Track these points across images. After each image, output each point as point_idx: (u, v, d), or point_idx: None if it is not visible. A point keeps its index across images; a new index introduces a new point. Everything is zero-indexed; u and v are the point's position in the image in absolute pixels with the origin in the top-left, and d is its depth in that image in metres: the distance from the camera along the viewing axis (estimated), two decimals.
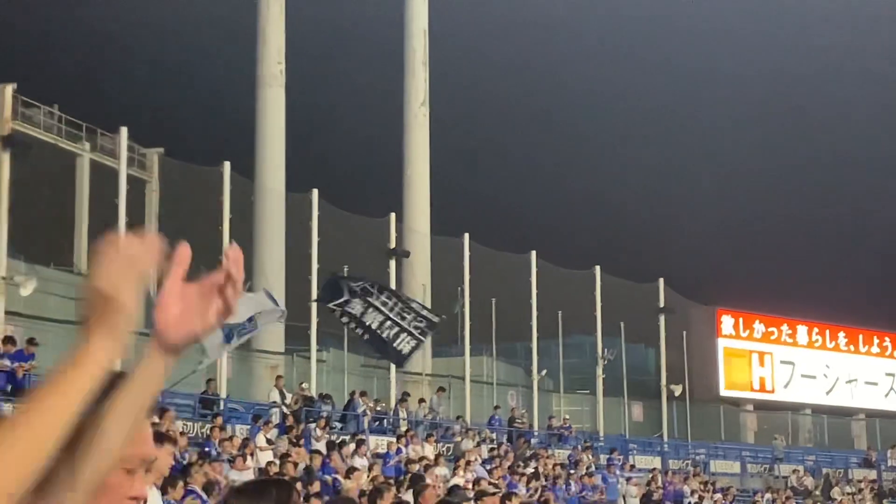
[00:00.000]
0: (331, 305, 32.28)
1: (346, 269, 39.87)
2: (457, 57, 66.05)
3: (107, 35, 67.79)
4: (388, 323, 31.94)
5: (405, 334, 32.08)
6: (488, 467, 32.94)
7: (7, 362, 25.80)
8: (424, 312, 33.22)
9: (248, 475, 22.15)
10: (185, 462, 20.83)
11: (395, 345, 32.03)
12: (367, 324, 31.99)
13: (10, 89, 32.94)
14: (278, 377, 33.56)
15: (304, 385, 33.83)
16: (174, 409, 26.54)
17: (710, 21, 77.45)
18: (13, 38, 60.53)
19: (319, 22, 64.21)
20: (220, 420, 28.22)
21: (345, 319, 32.58)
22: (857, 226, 78.96)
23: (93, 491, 2.73)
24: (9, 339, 26.66)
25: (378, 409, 36.28)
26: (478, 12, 72.80)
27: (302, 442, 28.69)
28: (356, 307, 31.89)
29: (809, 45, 77.51)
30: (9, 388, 25.35)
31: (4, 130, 31.69)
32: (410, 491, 15.85)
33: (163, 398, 27.94)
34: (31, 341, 27.25)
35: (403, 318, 32.06)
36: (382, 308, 31.98)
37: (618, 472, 39.14)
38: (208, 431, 27.44)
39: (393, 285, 39.61)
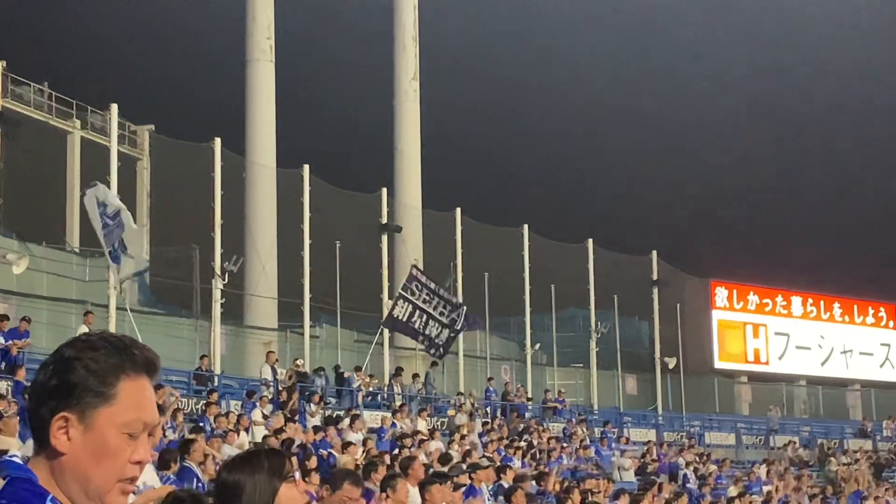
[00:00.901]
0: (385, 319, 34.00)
1: (338, 245, 39.89)
2: (448, 31, 65.79)
3: (96, 12, 67.45)
4: (431, 322, 33.68)
5: (445, 329, 34.00)
6: (484, 440, 32.99)
7: (1, 339, 25.74)
8: (452, 299, 35.10)
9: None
10: (182, 437, 20.80)
11: (435, 340, 34.11)
12: (415, 327, 33.78)
13: None
14: (269, 353, 33.52)
15: (298, 361, 33.80)
16: (168, 385, 26.48)
17: None
18: (2, 16, 60.19)
19: None
20: (215, 396, 28.18)
21: (389, 324, 35.10)
22: (849, 196, 78.95)
23: (96, 455, 2.70)
24: (2, 317, 26.59)
25: (371, 386, 36.28)
26: None
27: (297, 417, 28.66)
28: (402, 311, 33.70)
29: (788, 24, 77.37)
30: (2, 365, 25.29)
31: None
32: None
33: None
34: (25, 319, 27.17)
35: (442, 314, 33.93)
36: (427, 308, 33.78)
37: (612, 446, 39.19)
38: (203, 407, 27.41)
39: (385, 260, 39.60)
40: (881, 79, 76.82)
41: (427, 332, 34.90)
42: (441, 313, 35.04)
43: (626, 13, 77.10)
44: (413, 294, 34.85)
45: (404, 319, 34.90)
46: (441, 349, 36.04)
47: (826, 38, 76.68)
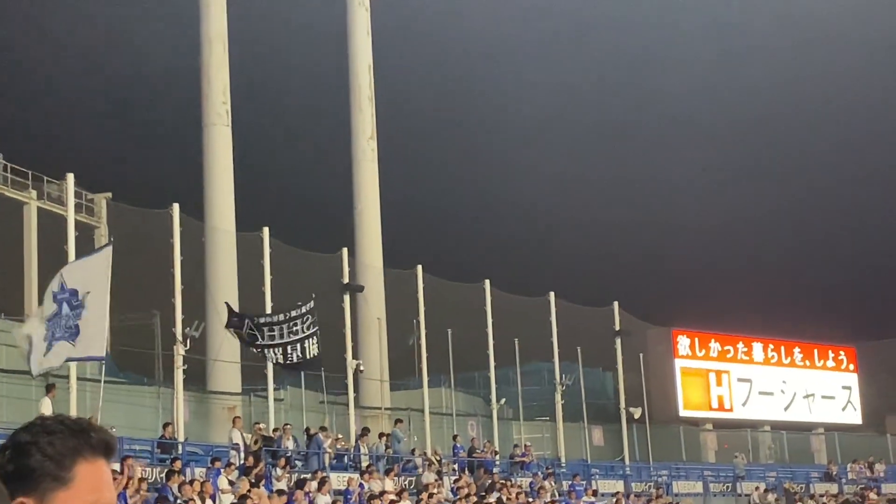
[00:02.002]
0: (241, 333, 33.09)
1: (301, 307, 39.71)
2: (405, 90, 66.21)
3: (50, 82, 67.38)
4: (289, 348, 32.75)
5: (307, 340, 32.99)
6: (454, 498, 32.84)
7: None
8: (304, 309, 33.90)
9: None
10: None
11: (307, 357, 33.03)
12: (276, 359, 32.86)
13: None
14: (236, 418, 33.27)
15: (261, 425, 33.59)
16: (131, 455, 26.22)
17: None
18: None
19: (264, 60, 64.21)
20: (178, 464, 27.91)
21: (256, 350, 33.22)
22: (806, 241, 79.67)
23: None
24: None
25: (339, 446, 36.07)
26: (420, 45, 73.02)
27: (262, 483, 28.44)
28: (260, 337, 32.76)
29: (760, 62, 78.42)
30: None
31: None
32: None
33: (120, 443, 27.65)
34: None
35: (296, 333, 32.91)
36: (274, 342, 32.79)
37: (581, 498, 39.11)
38: (166, 476, 27.14)
39: (348, 320, 39.50)
40: (826, 127, 77.89)
41: (290, 358, 33.72)
42: (292, 332, 33.77)
43: (588, 72, 77.89)
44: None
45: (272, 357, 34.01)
46: (318, 361, 35.05)
47: (774, 85, 77.80)
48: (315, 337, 33.97)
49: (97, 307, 25.72)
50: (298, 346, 33.48)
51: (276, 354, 33.47)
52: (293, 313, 34.08)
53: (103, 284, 25.88)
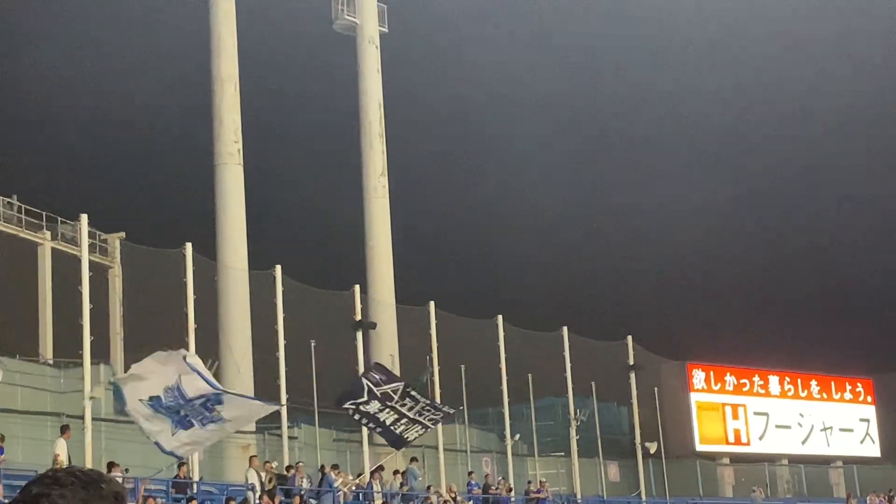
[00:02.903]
0: (347, 406, 33.04)
1: (312, 344, 39.73)
2: (416, 127, 66.43)
3: (62, 124, 67.79)
4: (404, 420, 32.86)
5: (417, 425, 33.17)
6: None
7: None
8: (445, 409, 34.45)
9: None
10: None
11: (403, 434, 33.12)
12: (382, 420, 32.89)
13: None
14: (252, 457, 33.20)
15: (273, 463, 33.54)
16: (151, 496, 26.17)
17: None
18: None
19: (274, 99, 64.53)
20: (194, 503, 27.86)
21: (357, 417, 33.41)
22: (822, 272, 79.47)
23: None
24: None
25: (353, 488, 35.95)
26: (431, 81, 73.33)
27: None
28: (373, 406, 32.68)
29: (779, 91, 78.55)
30: None
31: None
32: None
33: (135, 483, 27.60)
34: None
35: (421, 415, 33.16)
36: (401, 409, 32.89)
37: None
38: None
39: (361, 357, 39.46)
40: (843, 159, 77.89)
41: (399, 430, 34.06)
42: (408, 407, 34.15)
43: (596, 104, 78.11)
44: (376, 385, 34.11)
45: (373, 413, 34.23)
46: (401, 440, 35.26)
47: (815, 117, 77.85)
48: (422, 430, 34.20)
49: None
50: (409, 422, 33.74)
51: (389, 416, 33.57)
52: (440, 406, 34.92)
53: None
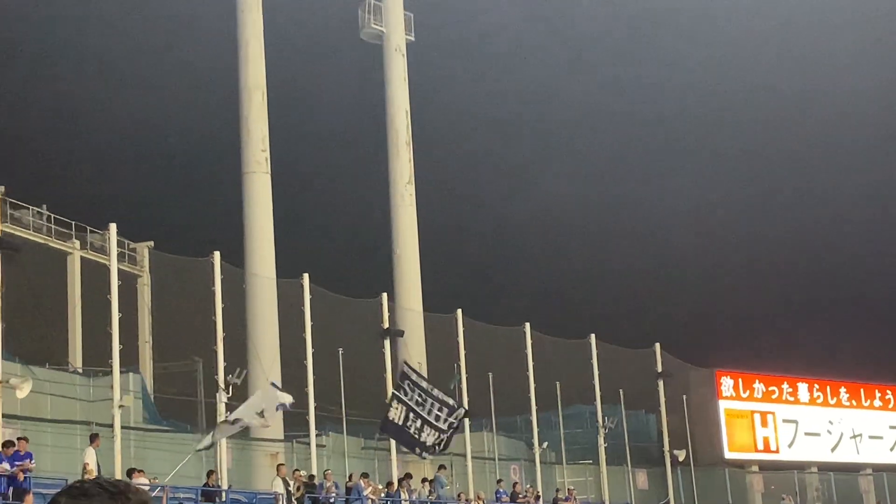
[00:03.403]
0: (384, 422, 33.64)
1: (340, 352, 39.80)
2: (442, 133, 66.47)
3: (90, 132, 68.18)
4: (412, 415, 32.87)
5: (434, 429, 33.12)
6: None
7: (7, 466, 25.44)
8: (450, 401, 34.25)
9: None
10: None
11: (420, 438, 33.11)
12: (413, 430, 33.05)
13: None
14: (280, 465, 33.25)
15: (301, 472, 33.57)
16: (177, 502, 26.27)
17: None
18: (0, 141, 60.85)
19: (302, 107, 64.70)
20: None
21: (385, 427, 33.79)
22: (853, 279, 79.04)
23: None
24: (7, 443, 26.28)
25: (382, 494, 35.95)
26: (457, 88, 73.40)
27: None
28: (398, 414, 33.02)
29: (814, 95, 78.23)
30: (10, 491, 24.99)
31: None
32: None
33: (163, 491, 27.71)
34: (22, 438, 26.68)
35: (438, 419, 33.13)
36: (409, 402, 32.99)
37: None
38: None
39: (389, 365, 39.49)
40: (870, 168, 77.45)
41: (422, 438, 34.38)
42: (437, 417, 34.52)
43: (616, 122, 78.00)
44: (406, 394, 34.52)
45: (400, 423, 34.53)
46: (433, 449, 35.55)
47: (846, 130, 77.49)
48: (439, 435, 34.39)
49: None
50: (426, 425, 34.02)
51: (414, 422, 33.83)
52: (455, 405, 35.07)
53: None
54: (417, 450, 35.12)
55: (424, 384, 35.12)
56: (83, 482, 2.91)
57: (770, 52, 78.36)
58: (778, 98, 78.15)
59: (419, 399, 34.20)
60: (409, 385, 34.52)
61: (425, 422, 34.08)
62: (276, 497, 31.41)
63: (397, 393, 34.63)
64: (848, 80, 75.52)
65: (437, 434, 34.45)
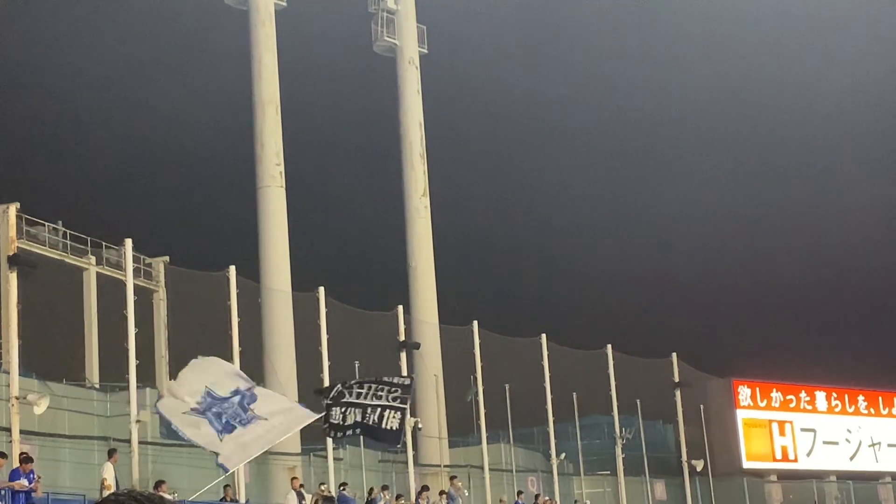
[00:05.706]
0: (323, 428, 32.45)
1: (357, 365, 39.72)
2: (455, 147, 66.53)
3: (105, 149, 68.42)
4: (369, 409, 31.88)
5: (388, 410, 31.99)
6: None
7: (25, 482, 25.47)
8: (396, 380, 33.06)
9: None
10: None
11: (383, 426, 31.92)
12: (352, 422, 31.96)
13: (13, 209, 33.06)
14: (294, 479, 33.22)
15: (323, 486, 33.51)
16: None
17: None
18: (14, 159, 61.10)
19: (316, 121, 64.84)
20: None
21: (332, 433, 32.57)
22: (868, 286, 78.76)
23: None
24: (27, 459, 26.25)
25: None
26: (470, 101, 73.44)
27: None
28: (336, 415, 31.83)
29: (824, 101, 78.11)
30: None
31: (10, 250, 31.72)
32: None
33: None
34: (24, 457, 26.37)
35: (379, 398, 32.02)
36: (358, 400, 31.96)
37: None
38: None
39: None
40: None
41: (388, 425, 33.01)
42: (377, 397, 33.08)
43: (629, 134, 77.96)
44: (345, 396, 33.36)
45: (346, 423, 33.36)
46: (396, 436, 34.29)
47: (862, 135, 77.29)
48: (400, 413, 33.13)
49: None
50: (379, 410, 32.64)
51: (353, 414, 32.61)
52: (388, 379, 33.60)
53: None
54: (386, 437, 33.96)
55: (373, 378, 33.86)
56: (118, 494, 2.92)
57: (804, 53, 78.26)
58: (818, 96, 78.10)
59: (359, 391, 33.00)
60: (357, 386, 33.20)
61: (383, 407, 32.80)
62: None
63: (349, 400, 33.19)
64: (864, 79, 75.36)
65: (398, 413, 33.19)
